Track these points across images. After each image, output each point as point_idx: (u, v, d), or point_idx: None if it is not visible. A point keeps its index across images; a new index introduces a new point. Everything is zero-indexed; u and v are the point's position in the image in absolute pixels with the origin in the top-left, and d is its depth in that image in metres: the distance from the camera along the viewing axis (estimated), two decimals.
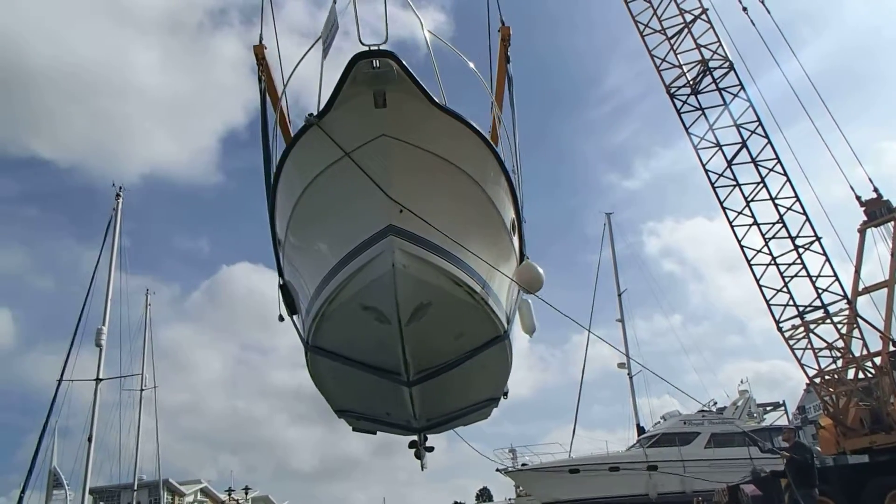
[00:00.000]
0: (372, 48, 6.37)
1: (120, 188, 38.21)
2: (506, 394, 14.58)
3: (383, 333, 8.53)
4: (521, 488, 44.49)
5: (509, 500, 61.78)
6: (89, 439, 37.90)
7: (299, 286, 9.56)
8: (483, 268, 8.58)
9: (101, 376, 39.54)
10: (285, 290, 10.16)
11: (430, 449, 14.55)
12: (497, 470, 37.56)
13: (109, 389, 40.98)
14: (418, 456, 14.31)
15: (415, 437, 14.14)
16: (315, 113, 6.95)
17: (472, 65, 9.15)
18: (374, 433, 13.82)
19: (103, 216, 39.34)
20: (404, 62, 6.56)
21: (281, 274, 10.19)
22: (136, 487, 50.91)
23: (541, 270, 9.49)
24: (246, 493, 71.85)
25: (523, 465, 37.35)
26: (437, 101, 7.17)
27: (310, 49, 8.02)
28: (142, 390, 48.61)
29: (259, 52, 10.13)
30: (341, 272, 8.21)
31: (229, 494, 75.08)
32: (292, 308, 10.25)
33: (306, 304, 9.30)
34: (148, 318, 50.27)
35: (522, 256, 10.49)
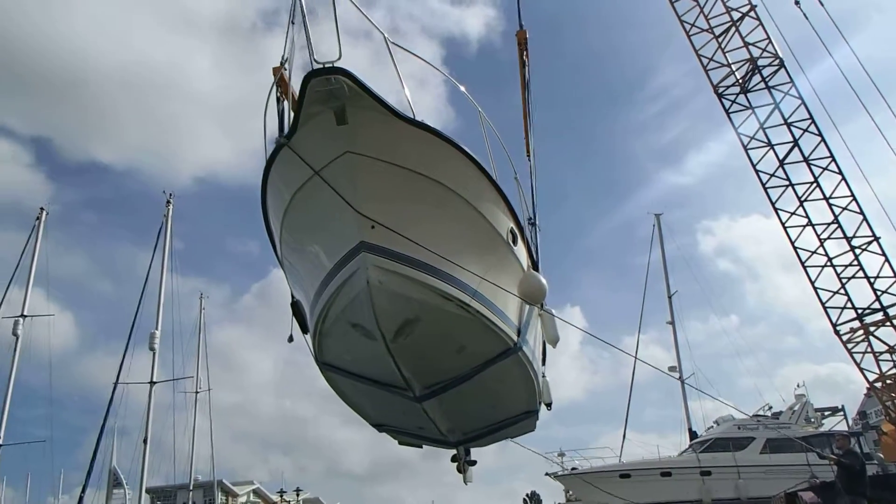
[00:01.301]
0: (326, 65, 6.33)
1: (170, 195, 39.07)
2: (549, 405, 14.51)
3: (375, 350, 8.45)
4: (570, 493, 44.06)
5: None
6: (144, 441, 38.84)
7: (303, 304, 9.55)
8: (478, 280, 8.36)
9: (154, 379, 40.66)
10: (296, 308, 10.10)
11: (473, 462, 14.54)
12: (546, 474, 37.26)
13: (165, 391, 41.98)
14: (460, 470, 14.31)
15: (456, 451, 14.25)
16: (283, 133, 6.96)
17: (479, 108, 8.99)
18: (420, 446, 13.81)
19: (158, 219, 40.17)
20: (359, 77, 6.46)
21: (292, 293, 10.18)
22: (191, 488, 51.93)
23: (542, 281, 9.34)
24: (297, 495, 72.50)
25: (573, 469, 36.87)
26: (402, 114, 7.05)
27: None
28: (196, 392, 49.51)
29: (279, 72, 9.84)
30: (326, 290, 8.20)
31: (281, 496, 75.81)
32: (305, 326, 10.12)
33: (310, 321, 9.28)
34: (202, 321, 51.19)
35: (535, 265, 10.33)
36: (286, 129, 7.15)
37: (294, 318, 9.73)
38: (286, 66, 8.54)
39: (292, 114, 6.86)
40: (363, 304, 7.76)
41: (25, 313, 38.18)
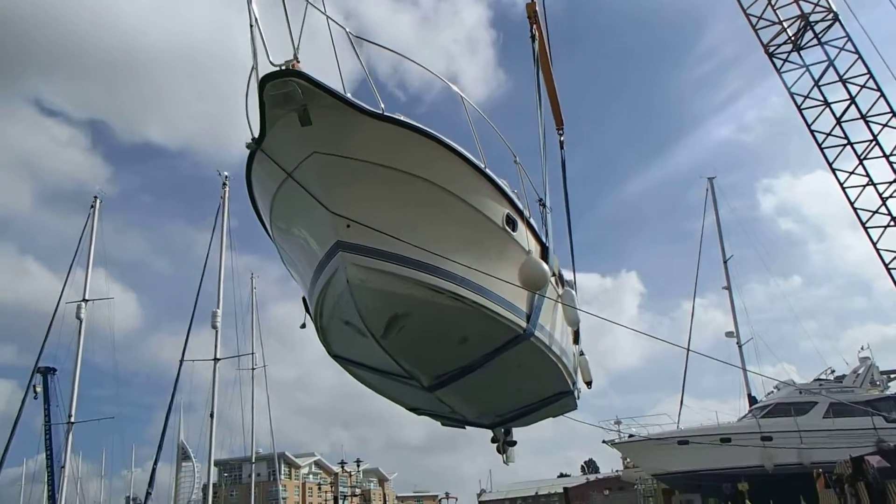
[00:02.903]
0: (283, 67, 6.21)
1: (226, 177, 39.74)
2: (589, 384, 14.46)
3: (371, 345, 8.43)
4: (628, 460, 44.06)
5: (616, 471, 61.46)
6: (211, 416, 40.18)
7: (305, 298, 9.54)
8: (475, 270, 8.15)
9: (217, 356, 41.92)
10: (307, 302, 9.87)
11: (513, 443, 14.63)
12: (603, 441, 37.30)
13: (227, 367, 43.22)
14: (500, 451, 14.40)
15: (499, 433, 14.34)
16: (254, 138, 6.84)
17: (463, 95, 8.47)
18: (463, 427, 13.90)
19: (212, 198, 41.19)
20: (314, 77, 6.35)
21: None
22: (253, 460, 53.49)
23: (541, 267, 9.09)
24: (357, 466, 74.16)
25: (630, 436, 36.75)
26: (368, 109, 6.91)
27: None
28: (253, 369, 50.70)
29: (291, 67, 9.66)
30: (315, 288, 8.20)
31: (342, 466, 77.72)
32: None
33: (312, 316, 9.25)
34: (254, 301, 52.14)
35: (544, 248, 10.09)
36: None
37: (306, 311, 9.73)
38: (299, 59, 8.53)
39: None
40: (348, 303, 7.74)
41: (87, 297, 39.63)
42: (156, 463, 40.79)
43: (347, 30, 7.30)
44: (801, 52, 26.09)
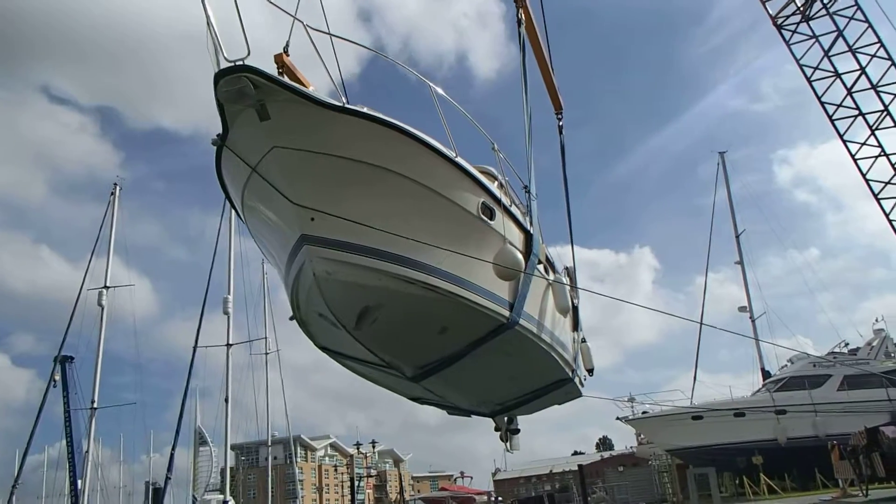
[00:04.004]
0: (237, 63, 6.12)
1: None
2: (591, 371, 14.50)
3: (348, 337, 8.41)
4: (642, 436, 44.22)
5: (630, 448, 61.69)
6: (226, 400, 40.69)
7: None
8: (448, 260, 8.03)
9: (230, 342, 42.34)
10: None
11: (516, 431, 14.70)
12: (617, 418, 37.43)
13: (241, 352, 43.68)
14: (503, 439, 14.48)
15: (500, 422, 14.41)
16: (218, 135, 6.85)
17: (430, 83, 8.31)
18: (469, 415, 13.95)
19: None
20: (267, 72, 6.31)
21: None
22: (270, 444, 54.11)
23: (514, 255, 8.87)
24: (373, 447, 74.69)
25: (644, 412, 36.89)
26: (326, 102, 6.84)
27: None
28: (266, 354, 51.13)
29: (280, 60, 9.08)
30: (288, 281, 8.20)
31: (357, 448, 78.24)
32: None
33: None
34: (266, 286, 52.44)
35: (528, 234, 9.91)
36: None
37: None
38: (288, 52, 8.47)
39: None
40: (317, 296, 7.74)
41: (108, 284, 40.03)
42: (174, 448, 41.38)
43: (306, 24, 7.40)
44: (810, 22, 25.81)
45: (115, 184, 42.34)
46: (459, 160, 8.20)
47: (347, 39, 8.76)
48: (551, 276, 11.14)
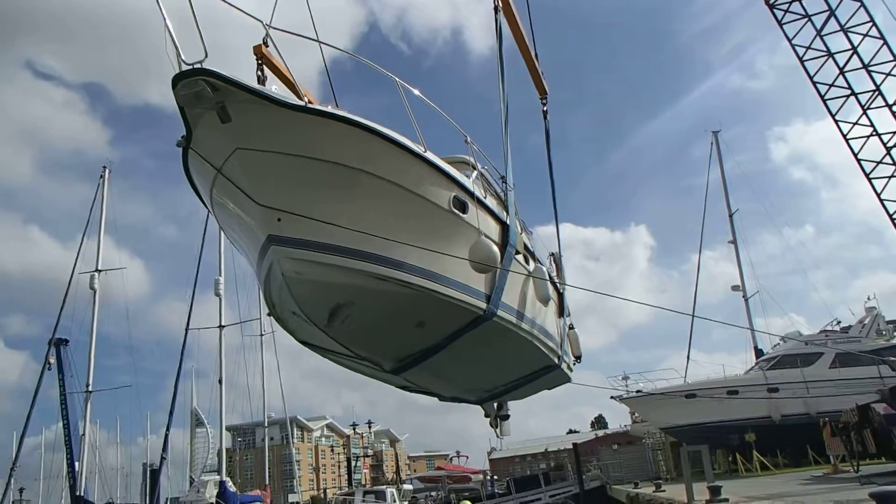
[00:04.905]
0: (194, 66, 6.11)
1: None
2: (578, 357, 14.62)
3: (321, 333, 8.49)
4: (636, 415, 44.54)
5: (625, 426, 62.15)
6: (220, 382, 40.95)
7: None
8: (421, 255, 8.02)
9: (223, 323, 42.49)
10: None
11: (506, 417, 14.87)
12: (612, 397, 37.66)
13: (236, 333, 43.84)
14: (493, 425, 14.65)
15: (490, 408, 14.66)
16: (183, 136, 6.81)
17: (397, 79, 8.22)
18: (461, 402, 14.09)
19: None
20: (225, 74, 6.24)
21: None
22: (266, 425, 54.38)
23: (489, 248, 8.81)
24: (369, 427, 75.27)
25: (638, 391, 37.12)
26: (287, 102, 6.80)
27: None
28: (262, 335, 51.16)
29: (259, 51, 9.21)
30: (261, 281, 8.26)
31: (353, 429, 78.77)
32: None
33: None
34: None
35: (503, 225, 9.86)
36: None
37: None
38: (268, 42, 8.40)
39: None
40: (287, 295, 7.80)
41: (100, 268, 40.02)
42: (168, 429, 41.81)
43: (266, 24, 7.55)
44: (803, 1, 25.73)
45: (105, 167, 42.27)
46: (429, 155, 8.18)
47: (313, 38, 8.86)
48: (532, 266, 11.16)
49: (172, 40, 6.09)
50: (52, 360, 38.54)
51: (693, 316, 31.30)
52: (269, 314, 9.28)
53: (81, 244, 40.59)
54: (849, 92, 25.45)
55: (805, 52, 25.87)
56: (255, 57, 9.27)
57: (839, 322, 38.46)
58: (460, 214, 8.65)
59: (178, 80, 6.13)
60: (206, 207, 8.16)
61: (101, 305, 40.07)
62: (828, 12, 25.24)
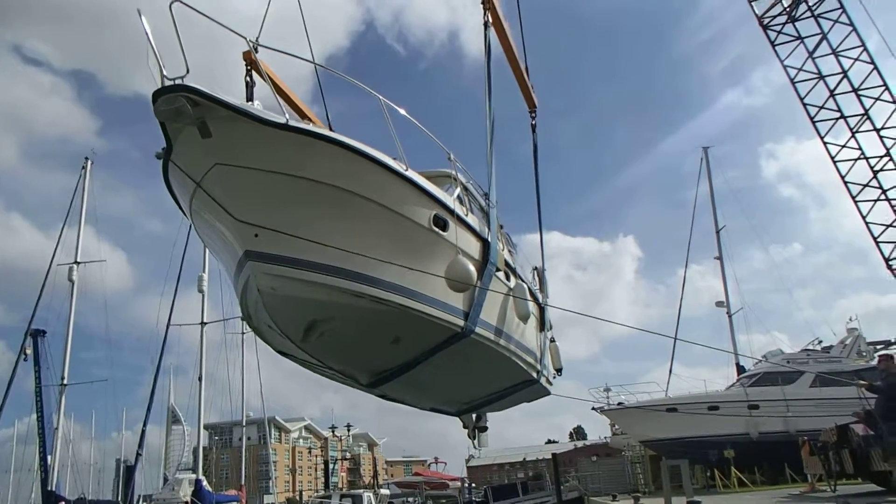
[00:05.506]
0: (177, 82, 6.16)
1: None
2: (559, 370, 14.68)
3: (296, 348, 8.52)
4: (616, 427, 44.64)
5: (604, 438, 62.30)
6: (199, 379, 40.73)
7: None
8: (396, 273, 8.00)
9: (205, 320, 42.23)
10: None
11: (484, 429, 14.93)
12: (593, 408, 37.70)
13: (217, 330, 43.56)
14: (470, 436, 14.69)
15: (468, 420, 14.64)
16: (163, 149, 6.81)
17: (380, 96, 8.16)
18: (440, 412, 14.07)
19: None
20: (205, 90, 6.28)
21: None
22: (244, 424, 54.03)
23: (466, 267, 8.73)
24: (348, 430, 75.02)
25: (619, 403, 37.20)
26: (267, 119, 6.81)
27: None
28: (243, 333, 50.74)
29: (248, 57, 9.19)
30: (237, 293, 8.28)
31: (332, 431, 78.54)
32: None
33: None
34: None
35: (485, 244, 9.86)
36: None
37: None
38: (256, 47, 8.42)
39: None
40: (262, 310, 7.82)
41: (79, 259, 39.62)
42: (145, 425, 41.47)
43: (250, 39, 7.63)
44: (796, 23, 25.99)
45: (87, 157, 41.94)
46: (410, 174, 8.18)
47: (298, 56, 8.70)
48: (513, 282, 11.12)
49: (155, 55, 6.10)
50: (29, 350, 38.08)
51: (675, 339, 31.39)
52: (244, 322, 9.25)
53: (61, 235, 40.21)
54: (838, 115, 25.72)
55: (797, 74, 26.14)
56: (244, 62, 9.30)
57: (821, 342, 38.69)
58: (440, 233, 8.65)
59: (157, 96, 6.16)
60: (186, 217, 8.12)
61: (79, 297, 39.68)
62: (820, 35, 25.49)
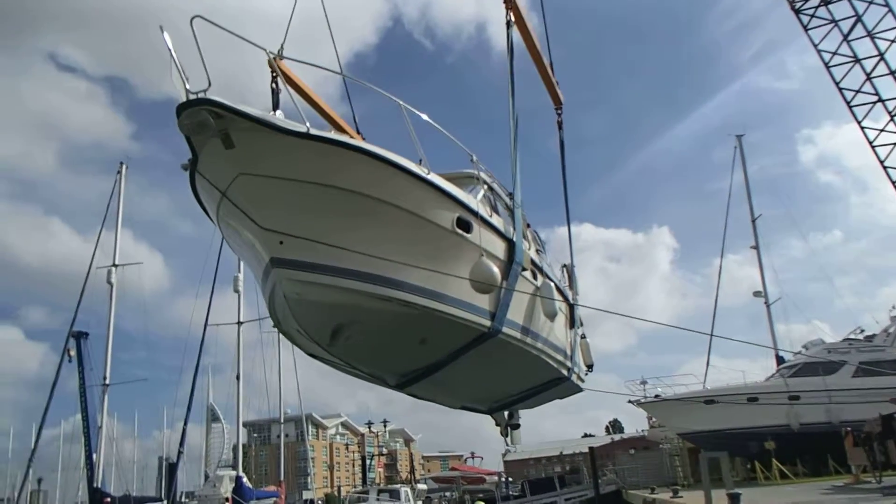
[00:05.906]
0: (200, 96, 6.31)
1: None
2: (590, 367, 14.62)
3: (325, 351, 8.66)
4: (653, 419, 44.24)
5: (641, 431, 61.76)
6: (237, 378, 41.18)
7: None
8: (421, 275, 8.08)
9: (241, 319, 42.69)
10: None
11: (517, 426, 14.96)
12: (629, 401, 37.28)
13: (253, 329, 44.00)
14: (503, 434, 14.74)
15: (500, 417, 14.78)
16: (187, 161, 6.98)
17: (400, 101, 8.21)
18: (471, 411, 14.15)
19: None
20: (227, 103, 6.41)
21: None
22: (282, 421, 54.56)
23: (490, 269, 8.69)
24: (384, 426, 75.36)
25: (656, 396, 36.86)
26: (289, 129, 6.90)
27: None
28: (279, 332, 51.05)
29: (273, 63, 9.35)
30: (265, 298, 8.44)
31: (368, 427, 79.01)
32: None
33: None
34: None
35: (510, 244, 9.84)
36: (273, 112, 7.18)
37: None
38: (281, 55, 8.45)
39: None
40: (289, 316, 7.98)
41: (117, 262, 40.31)
42: (185, 424, 42.01)
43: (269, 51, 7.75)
44: (829, 6, 25.41)
45: (122, 162, 42.64)
46: (432, 177, 8.25)
47: (320, 66, 9.01)
48: (540, 281, 11.10)
49: (178, 70, 6.29)
50: (73, 352, 38.82)
51: (711, 335, 30.97)
52: (273, 326, 9.37)
53: (98, 238, 40.90)
54: (876, 98, 25.12)
55: (831, 58, 25.56)
56: (269, 69, 9.48)
57: (863, 330, 37.87)
58: (464, 235, 8.72)
59: (181, 110, 6.35)
60: (215, 225, 8.29)
61: (118, 299, 40.36)
62: (854, 17, 24.89)
